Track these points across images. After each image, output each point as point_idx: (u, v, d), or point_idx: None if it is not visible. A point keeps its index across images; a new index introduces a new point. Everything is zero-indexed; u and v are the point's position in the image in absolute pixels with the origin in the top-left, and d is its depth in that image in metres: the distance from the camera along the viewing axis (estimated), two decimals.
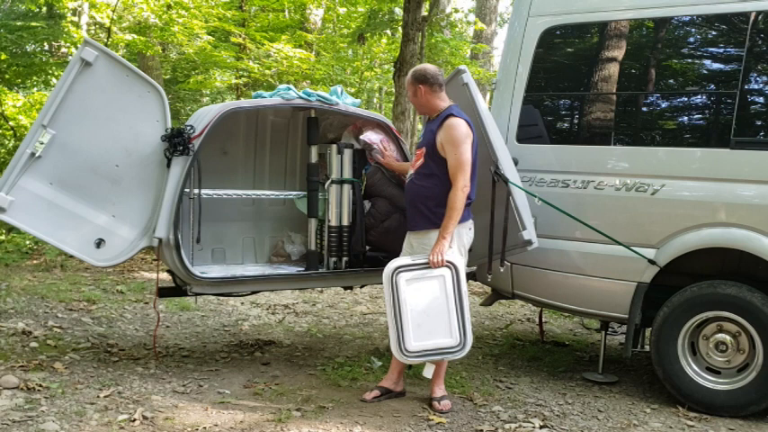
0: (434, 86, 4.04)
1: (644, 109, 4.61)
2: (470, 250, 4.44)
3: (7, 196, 3.94)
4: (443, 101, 4.07)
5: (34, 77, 12.58)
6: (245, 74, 13.05)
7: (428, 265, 3.82)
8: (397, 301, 3.75)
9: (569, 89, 4.97)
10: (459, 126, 3.91)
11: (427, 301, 3.82)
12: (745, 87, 4.16)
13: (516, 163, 4.56)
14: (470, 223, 4.05)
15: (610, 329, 5.27)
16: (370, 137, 4.73)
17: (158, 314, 5.39)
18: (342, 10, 15.49)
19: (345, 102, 4.74)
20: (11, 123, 11.18)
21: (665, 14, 4.46)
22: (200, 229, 4.42)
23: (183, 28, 12.11)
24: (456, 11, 15.46)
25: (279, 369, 4.67)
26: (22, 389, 3.87)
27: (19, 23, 10.89)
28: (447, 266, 3.83)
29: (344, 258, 4.74)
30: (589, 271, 4.53)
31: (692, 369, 4.22)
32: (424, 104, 4.09)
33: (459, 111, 4.01)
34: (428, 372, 3.98)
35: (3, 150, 11.47)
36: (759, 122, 4.24)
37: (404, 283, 3.76)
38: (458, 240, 3.97)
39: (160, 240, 4.15)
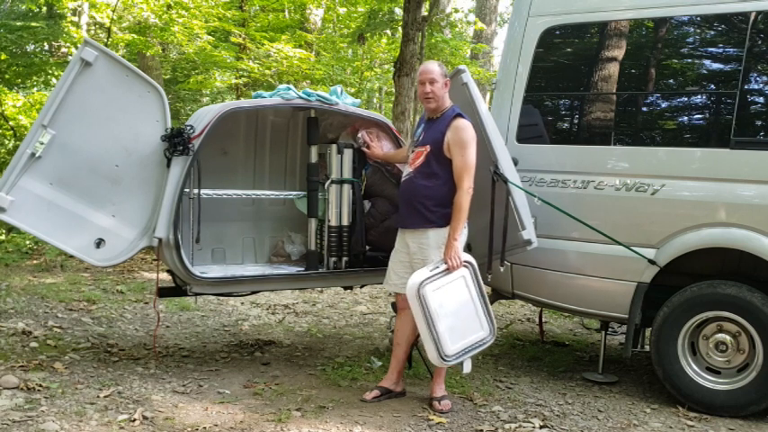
0: (448, 85, 4.10)
1: (644, 109, 4.61)
2: (470, 249, 4.45)
3: (7, 196, 3.93)
4: (448, 100, 4.10)
5: (34, 77, 12.59)
6: (245, 74, 13.04)
7: (447, 271, 3.85)
8: (429, 312, 3.76)
9: (569, 89, 4.97)
10: (468, 128, 3.94)
11: (455, 303, 3.87)
12: (745, 87, 4.16)
13: (516, 163, 4.56)
14: (465, 222, 4.06)
15: (610, 329, 5.26)
16: (361, 133, 4.78)
17: (158, 314, 5.40)
18: (342, 10, 15.49)
19: (345, 102, 4.74)
20: (11, 123, 11.18)
21: (665, 14, 4.46)
22: (200, 229, 4.42)
23: (183, 28, 12.09)
24: (456, 11, 15.48)
25: (279, 369, 4.67)
26: (22, 389, 3.87)
27: (19, 23, 10.89)
28: (465, 266, 3.90)
29: (344, 258, 4.74)
30: (589, 271, 4.53)
31: (691, 369, 4.22)
32: (440, 98, 4.04)
33: (461, 112, 4.03)
34: (467, 367, 4.03)
35: (3, 150, 11.47)
36: (759, 122, 4.24)
37: (431, 295, 3.78)
38: None
39: (160, 240, 4.15)
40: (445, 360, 3.83)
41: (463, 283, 3.90)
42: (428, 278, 3.79)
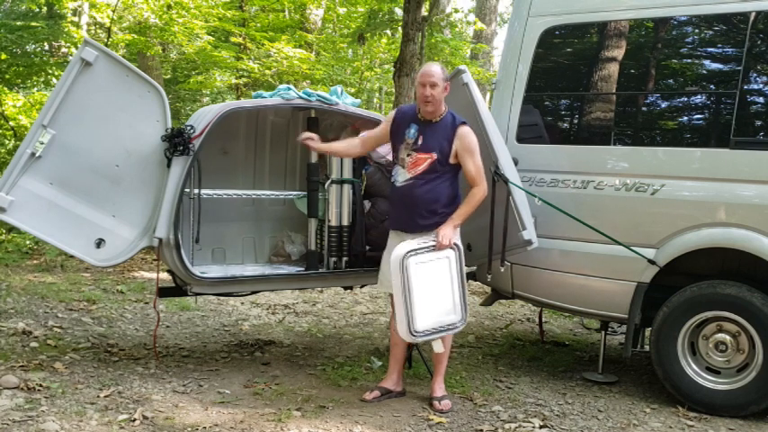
0: (448, 89, 4.07)
1: (644, 109, 4.61)
2: (470, 249, 4.45)
3: (7, 196, 3.93)
4: (444, 103, 4.09)
5: (34, 77, 12.57)
6: (246, 74, 13.04)
7: (435, 247, 3.86)
8: (408, 284, 3.78)
9: (569, 89, 4.97)
10: (473, 134, 3.99)
11: (435, 282, 3.88)
12: (745, 87, 4.16)
13: (516, 163, 4.56)
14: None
15: (610, 329, 5.26)
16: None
17: (158, 314, 5.39)
18: (342, 10, 15.48)
19: (345, 102, 4.75)
20: (11, 123, 11.18)
21: (665, 14, 4.47)
22: (200, 229, 4.42)
23: (183, 28, 12.10)
24: (456, 11, 15.46)
25: (279, 369, 4.67)
26: (22, 389, 3.87)
27: (19, 23, 10.89)
28: (452, 248, 3.91)
29: (344, 258, 4.74)
30: (589, 271, 4.53)
31: (691, 369, 4.22)
32: (439, 102, 4.00)
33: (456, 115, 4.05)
34: (438, 346, 4.05)
35: (3, 150, 11.46)
36: (759, 122, 4.24)
37: (413, 267, 3.80)
38: None
39: (160, 240, 4.15)
40: (414, 335, 3.84)
41: (447, 264, 3.91)
42: (414, 250, 3.82)
